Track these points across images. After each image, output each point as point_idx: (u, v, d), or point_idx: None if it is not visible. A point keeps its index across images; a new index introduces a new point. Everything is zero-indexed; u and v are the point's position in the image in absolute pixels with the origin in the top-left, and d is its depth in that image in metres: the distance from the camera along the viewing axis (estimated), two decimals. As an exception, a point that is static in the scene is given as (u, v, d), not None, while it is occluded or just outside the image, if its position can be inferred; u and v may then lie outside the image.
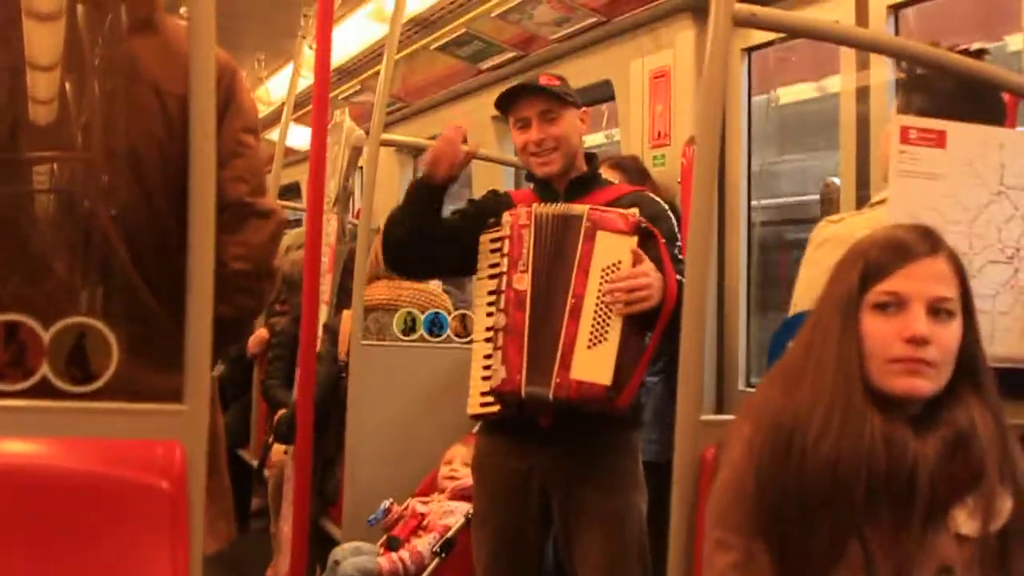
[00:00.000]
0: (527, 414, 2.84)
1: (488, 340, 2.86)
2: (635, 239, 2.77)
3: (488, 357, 2.85)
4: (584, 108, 3.02)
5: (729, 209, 4.12)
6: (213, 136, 1.60)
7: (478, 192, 6.04)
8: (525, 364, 2.77)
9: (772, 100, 4.43)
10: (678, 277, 2.73)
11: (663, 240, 2.81)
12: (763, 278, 4.27)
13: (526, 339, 2.78)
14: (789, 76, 4.57)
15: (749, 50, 4.06)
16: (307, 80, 6.27)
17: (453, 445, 3.93)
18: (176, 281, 1.65)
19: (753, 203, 4.18)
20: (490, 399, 2.85)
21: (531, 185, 3.08)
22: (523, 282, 2.81)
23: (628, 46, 4.56)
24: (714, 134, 2.00)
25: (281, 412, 4.85)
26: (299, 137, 7.83)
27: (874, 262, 1.79)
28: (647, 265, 2.73)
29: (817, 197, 3.82)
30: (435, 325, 4.35)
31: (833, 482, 1.68)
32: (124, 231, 1.91)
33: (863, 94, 3.57)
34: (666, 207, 2.97)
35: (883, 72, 3.48)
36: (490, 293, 2.89)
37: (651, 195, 3.04)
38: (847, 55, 3.68)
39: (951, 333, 1.76)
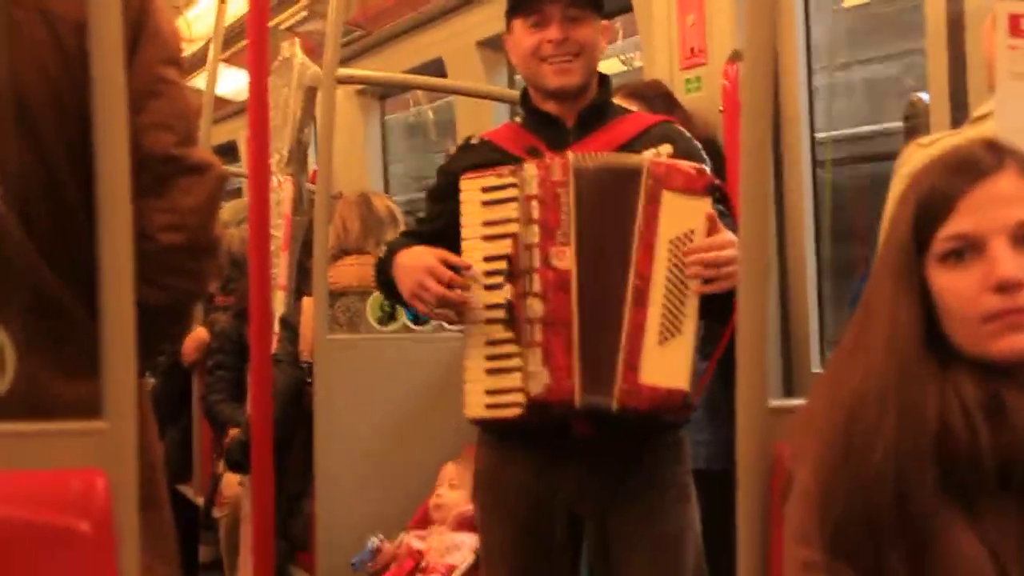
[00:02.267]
0: (560, 422, 2.82)
1: (492, 321, 2.82)
2: (709, 201, 2.73)
3: (496, 343, 2.81)
4: (604, 21, 2.98)
5: (787, 144, 4.10)
6: (122, 69, 1.56)
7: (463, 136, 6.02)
8: (578, 366, 2.73)
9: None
10: None
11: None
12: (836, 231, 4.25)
13: (576, 333, 2.74)
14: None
15: (802, -65, 4.06)
16: (238, 6, 6.24)
17: (447, 463, 3.92)
18: (85, 260, 1.63)
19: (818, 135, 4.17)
20: (502, 400, 2.80)
21: (517, 119, 3.04)
22: (565, 259, 2.77)
23: (646, -63, 4.54)
24: (767, 45, 1.96)
25: (232, 433, 4.84)
26: (232, 82, 7.82)
27: (928, 200, 1.75)
28: (727, 235, 2.69)
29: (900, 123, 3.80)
30: (421, 311, 4.34)
31: (897, 481, 1.66)
32: (11, 198, 1.89)
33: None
34: (697, 144, 2.96)
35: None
36: (488, 259, 2.84)
37: (679, 127, 3.03)
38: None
39: None
